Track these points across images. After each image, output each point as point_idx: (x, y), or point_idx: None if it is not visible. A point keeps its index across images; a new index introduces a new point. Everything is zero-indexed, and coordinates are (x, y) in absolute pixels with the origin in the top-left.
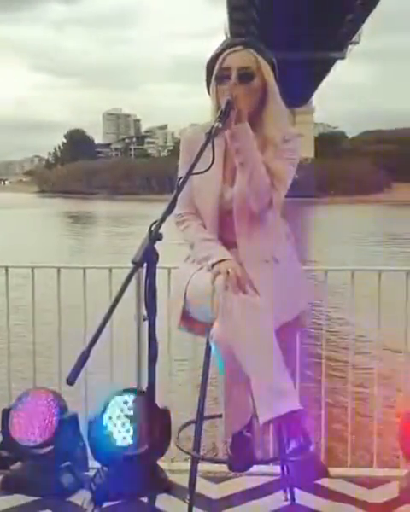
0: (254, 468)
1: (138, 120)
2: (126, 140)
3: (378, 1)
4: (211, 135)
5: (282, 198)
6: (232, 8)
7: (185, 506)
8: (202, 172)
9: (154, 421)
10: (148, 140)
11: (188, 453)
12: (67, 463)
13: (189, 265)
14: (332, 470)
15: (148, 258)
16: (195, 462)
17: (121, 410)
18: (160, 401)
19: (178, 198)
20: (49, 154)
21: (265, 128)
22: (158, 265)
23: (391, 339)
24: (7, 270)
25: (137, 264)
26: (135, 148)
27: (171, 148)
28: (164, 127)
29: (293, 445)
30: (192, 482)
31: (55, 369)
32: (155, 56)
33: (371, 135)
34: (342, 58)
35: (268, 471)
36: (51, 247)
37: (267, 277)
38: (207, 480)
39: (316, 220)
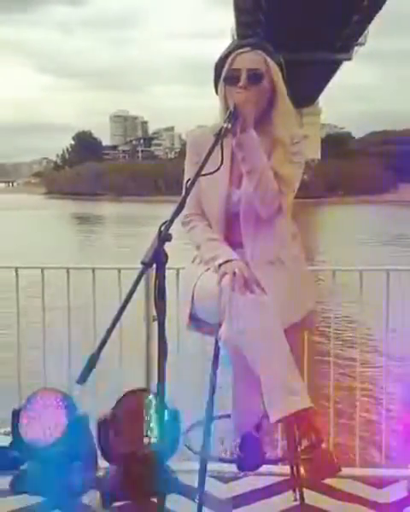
0: (264, 468)
1: (145, 122)
2: (134, 142)
3: (384, 2)
4: (220, 136)
5: (290, 202)
6: (239, 11)
7: (195, 506)
8: (210, 173)
9: (163, 421)
10: (155, 142)
11: (197, 453)
12: (77, 463)
13: (196, 266)
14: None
15: (157, 258)
16: (204, 462)
17: (129, 410)
18: (169, 401)
19: None
20: (57, 155)
21: (274, 128)
22: (167, 266)
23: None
24: (17, 271)
25: (146, 265)
26: (142, 150)
27: (178, 149)
28: (171, 129)
29: (305, 443)
30: (201, 482)
31: (64, 370)
32: (162, 58)
33: (377, 136)
34: (349, 59)
35: (277, 471)
36: (60, 248)
37: (274, 278)
38: (217, 479)
39: (323, 221)
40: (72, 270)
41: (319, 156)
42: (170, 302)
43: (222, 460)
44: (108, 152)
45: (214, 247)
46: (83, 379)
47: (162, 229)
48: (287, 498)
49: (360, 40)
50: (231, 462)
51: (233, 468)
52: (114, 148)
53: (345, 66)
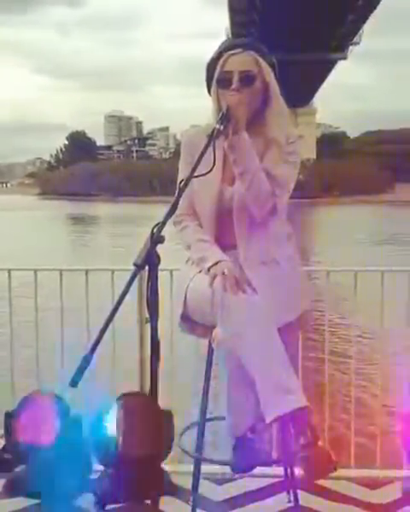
0: (258, 470)
1: (140, 122)
2: (128, 142)
3: (379, 1)
4: (212, 137)
5: (284, 203)
6: (233, 11)
7: (189, 508)
8: (203, 175)
9: (156, 422)
10: (149, 142)
11: (191, 455)
12: (71, 466)
13: (189, 267)
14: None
15: (150, 260)
16: (198, 463)
17: (124, 412)
18: (162, 403)
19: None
20: (51, 156)
21: (268, 129)
22: (160, 268)
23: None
24: (9, 273)
25: (138, 267)
26: (137, 150)
27: (173, 149)
28: (166, 129)
29: (301, 441)
30: (195, 484)
31: (58, 372)
32: (157, 58)
33: (373, 135)
34: (344, 59)
35: (271, 473)
36: (53, 250)
37: (267, 278)
38: (211, 481)
39: (318, 221)
40: (65, 271)
41: (314, 156)
42: (163, 303)
43: (216, 462)
44: (103, 152)
45: (203, 248)
46: (76, 380)
47: (155, 231)
48: (281, 500)
49: (354, 39)
50: (225, 463)
51: (227, 469)
52: (109, 148)
53: (340, 66)
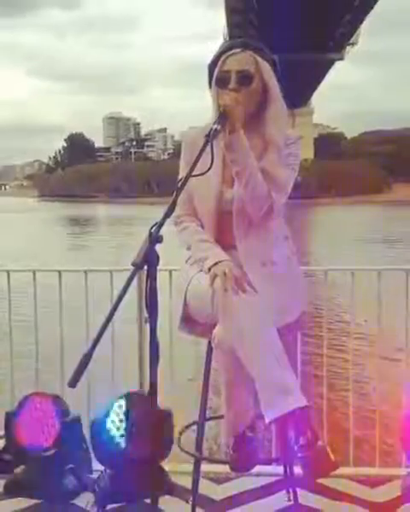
0: (257, 469)
1: (138, 124)
2: (126, 143)
3: (376, 2)
4: (210, 137)
5: (282, 204)
6: (230, 12)
7: (188, 507)
8: (200, 175)
9: (156, 422)
10: (148, 143)
11: (190, 454)
12: (71, 466)
13: (189, 267)
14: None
15: (148, 260)
16: (197, 463)
17: (124, 412)
18: (162, 402)
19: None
20: (50, 158)
21: (266, 129)
22: (159, 267)
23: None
24: (9, 275)
25: (137, 267)
26: (135, 152)
27: (171, 151)
28: (164, 130)
29: (301, 441)
30: (195, 483)
31: (57, 372)
32: (154, 60)
33: (370, 135)
34: (341, 59)
35: (271, 471)
36: (53, 251)
37: (267, 279)
38: (210, 480)
39: (316, 221)
40: (64, 272)
41: (312, 156)
42: (163, 303)
43: (216, 461)
44: (101, 154)
45: (204, 248)
46: (75, 380)
47: (153, 230)
48: (281, 499)
49: (352, 40)
50: (224, 463)
51: (227, 468)
52: (107, 149)
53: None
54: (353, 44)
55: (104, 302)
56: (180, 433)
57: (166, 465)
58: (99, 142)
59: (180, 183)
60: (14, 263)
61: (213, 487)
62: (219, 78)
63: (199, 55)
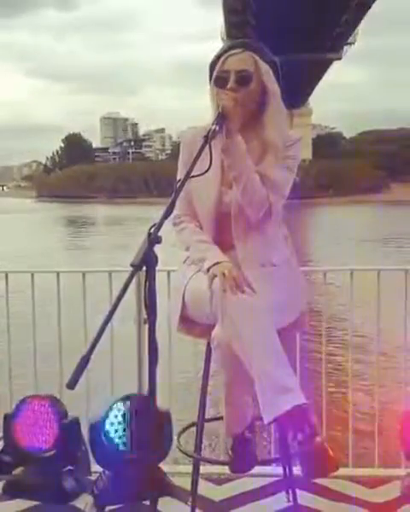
0: (256, 469)
1: (136, 124)
2: (124, 144)
3: (374, 1)
4: (208, 137)
5: (280, 206)
6: (228, 12)
7: (188, 508)
8: (199, 175)
9: (155, 423)
10: (145, 143)
11: (189, 455)
12: (69, 468)
13: (187, 267)
14: None
15: (147, 261)
16: (196, 464)
17: (123, 414)
18: (161, 403)
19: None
20: (48, 158)
21: (265, 131)
22: (157, 268)
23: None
24: (7, 276)
25: (136, 268)
26: (133, 152)
27: (169, 151)
28: (161, 130)
29: (299, 437)
30: (194, 484)
31: (56, 374)
32: (152, 60)
33: (368, 135)
34: (339, 59)
35: (270, 472)
36: (51, 252)
37: (266, 280)
38: (209, 481)
39: (315, 221)
40: (62, 273)
41: (310, 157)
42: (161, 304)
43: (215, 462)
44: (99, 154)
45: (203, 249)
46: (74, 382)
47: (151, 231)
48: (280, 499)
49: (349, 40)
50: (223, 463)
51: (226, 469)
52: (105, 150)
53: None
54: (351, 44)
55: (103, 303)
56: (179, 434)
57: (166, 466)
58: (97, 143)
59: (178, 184)
60: (12, 264)
61: (213, 488)
62: (218, 77)
63: (197, 56)
